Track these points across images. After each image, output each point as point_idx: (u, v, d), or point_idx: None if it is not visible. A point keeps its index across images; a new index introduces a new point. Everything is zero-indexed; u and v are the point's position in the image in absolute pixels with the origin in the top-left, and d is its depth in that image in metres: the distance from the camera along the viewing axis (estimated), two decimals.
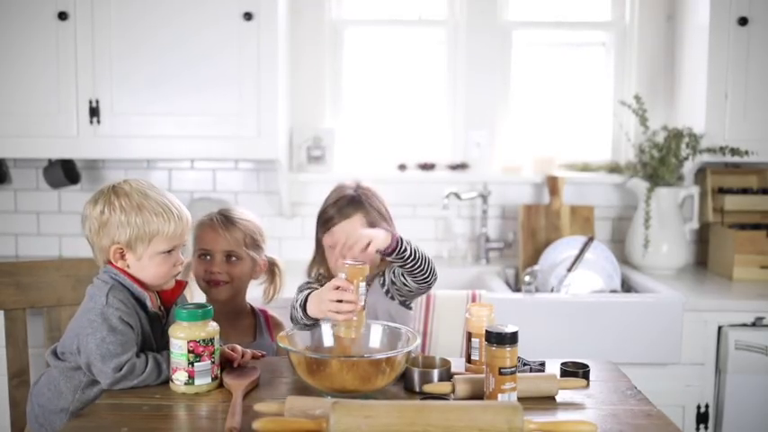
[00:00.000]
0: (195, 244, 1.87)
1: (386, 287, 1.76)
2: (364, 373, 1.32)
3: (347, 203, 1.75)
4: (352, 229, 1.66)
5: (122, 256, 1.47)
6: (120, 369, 1.38)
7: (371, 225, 1.72)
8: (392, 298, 1.76)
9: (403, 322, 1.70)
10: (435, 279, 1.69)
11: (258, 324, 1.90)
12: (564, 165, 2.89)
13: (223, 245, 1.82)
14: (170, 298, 1.54)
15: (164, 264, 1.48)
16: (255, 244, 1.87)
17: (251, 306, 1.93)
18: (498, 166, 2.88)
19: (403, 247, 1.56)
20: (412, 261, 1.59)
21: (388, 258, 1.58)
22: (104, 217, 1.46)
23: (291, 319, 1.66)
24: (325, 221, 1.76)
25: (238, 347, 1.51)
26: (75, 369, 1.46)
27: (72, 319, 1.51)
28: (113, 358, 1.38)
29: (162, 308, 1.53)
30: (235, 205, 1.96)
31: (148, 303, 1.48)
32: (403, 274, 1.68)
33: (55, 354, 1.52)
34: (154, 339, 1.50)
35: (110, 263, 1.48)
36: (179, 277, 1.56)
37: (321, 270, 1.83)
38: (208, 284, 1.83)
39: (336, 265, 1.54)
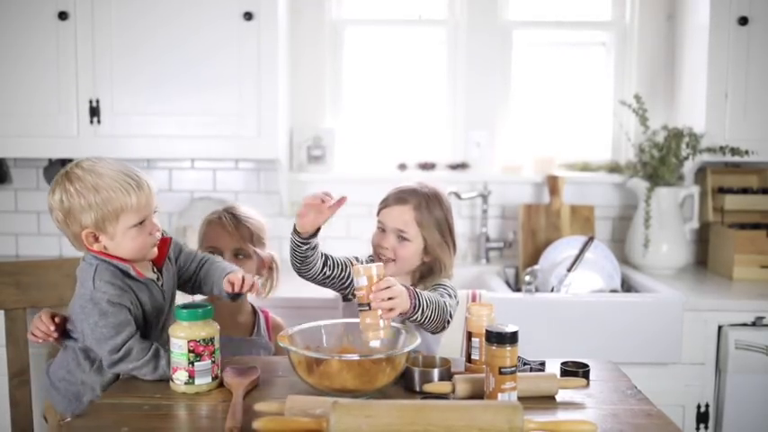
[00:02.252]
0: (203, 241, 1.87)
1: None
2: (364, 373, 1.32)
3: (406, 191, 1.72)
4: (399, 219, 1.68)
5: (96, 239, 1.45)
6: (117, 351, 1.39)
7: (420, 223, 1.69)
8: None
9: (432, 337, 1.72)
10: (444, 329, 1.67)
11: (257, 322, 1.91)
12: (564, 165, 2.89)
13: (232, 243, 1.83)
14: (160, 258, 1.53)
15: (138, 236, 1.46)
16: (261, 241, 1.89)
17: (251, 305, 1.93)
18: (498, 165, 2.88)
19: (413, 317, 1.53)
20: (420, 321, 1.57)
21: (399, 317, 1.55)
22: (65, 205, 1.43)
23: (291, 259, 1.67)
24: (381, 202, 1.75)
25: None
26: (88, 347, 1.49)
27: (71, 301, 1.52)
28: (107, 341, 1.40)
29: (155, 269, 1.53)
30: (239, 203, 1.96)
31: (132, 273, 1.46)
32: None
33: (68, 334, 1.53)
34: (153, 304, 1.50)
35: (87, 248, 1.46)
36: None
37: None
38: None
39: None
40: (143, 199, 1.45)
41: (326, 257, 1.69)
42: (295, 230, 1.60)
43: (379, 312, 1.43)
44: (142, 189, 1.45)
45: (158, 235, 1.51)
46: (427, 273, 1.76)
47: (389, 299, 1.44)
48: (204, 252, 1.82)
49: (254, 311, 1.93)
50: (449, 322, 1.66)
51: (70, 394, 1.53)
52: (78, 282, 1.48)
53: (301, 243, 1.60)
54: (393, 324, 1.53)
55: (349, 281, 1.75)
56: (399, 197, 1.72)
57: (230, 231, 1.83)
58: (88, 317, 1.41)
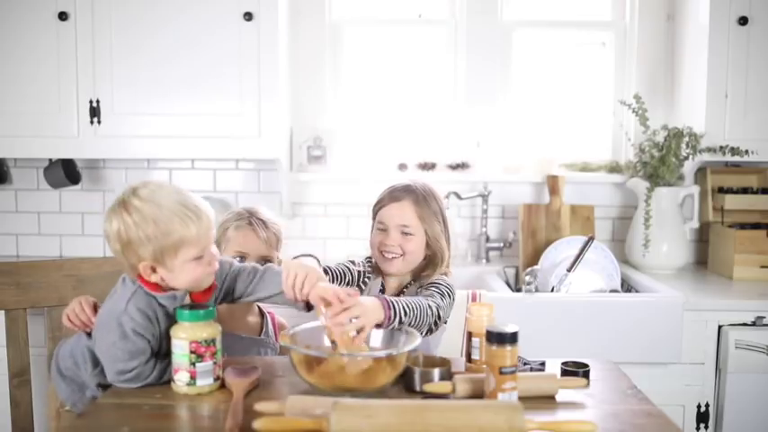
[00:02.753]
0: (228, 246, 1.81)
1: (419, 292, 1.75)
2: (364, 372, 1.32)
3: (401, 188, 1.77)
4: (400, 216, 1.69)
5: (154, 271, 1.39)
6: (125, 374, 1.38)
7: (421, 217, 1.73)
8: None
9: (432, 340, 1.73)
10: (431, 330, 1.68)
11: (265, 323, 1.91)
12: (564, 164, 2.89)
13: (261, 249, 1.80)
14: (199, 299, 1.47)
15: (197, 267, 1.41)
16: (279, 245, 1.88)
17: (259, 307, 1.93)
18: (498, 165, 2.89)
19: (390, 326, 1.50)
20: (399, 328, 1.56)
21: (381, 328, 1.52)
22: (123, 237, 1.37)
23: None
24: (375, 205, 1.78)
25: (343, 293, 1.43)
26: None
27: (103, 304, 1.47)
28: (119, 362, 1.38)
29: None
30: (258, 206, 1.93)
31: (178, 296, 1.41)
32: None
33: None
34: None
35: (140, 278, 1.40)
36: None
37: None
38: None
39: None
40: (202, 230, 1.39)
41: (325, 271, 1.70)
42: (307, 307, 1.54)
43: (351, 335, 1.40)
44: (201, 220, 1.39)
45: (217, 265, 1.45)
46: (427, 266, 1.79)
47: (352, 320, 1.40)
48: (231, 256, 1.74)
49: (261, 313, 1.94)
50: (437, 324, 1.66)
51: (75, 385, 1.50)
52: (113, 294, 1.44)
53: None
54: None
55: (347, 287, 1.77)
56: (396, 195, 1.76)
57: (261, 237, 1.80)
58: (109, 333, 1.38)
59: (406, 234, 1.74)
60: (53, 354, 1.56)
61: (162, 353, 1.43)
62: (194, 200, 1.41)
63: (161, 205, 1.37)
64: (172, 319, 1.41)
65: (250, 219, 1.83)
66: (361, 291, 1.83)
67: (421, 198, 1.76)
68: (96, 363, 1.46)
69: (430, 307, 1.61)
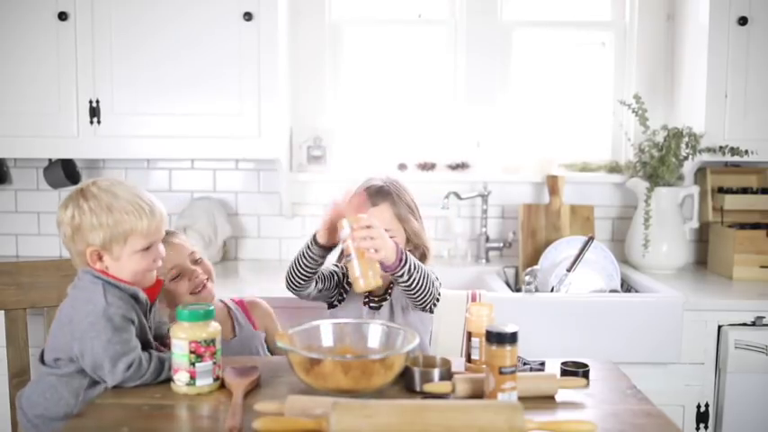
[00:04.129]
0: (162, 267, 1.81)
1: None
2: (359, 374, 1.31)
3: (375, 192, 1.77)
4: (380, 220, 1.68)
5: (100, 258, 1.46)
6: (129, 368, 1.38)
7: (399, 217, 1.75)
8: None
9: (420, 321, 1.75)
10: (434, 304, 1.71)
11: (234, 319, 1.89)
12: (564, 164, 2.89)
13: (185, 255, 1.82)
14: (152, 296, 1.53)
15: (143, 260, 1.48)
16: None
17: (222, 301, 1.91)
18: (498, 165, 2.89)
19: (400, 272, 1.57)
20: (407, 283, 1.60)
21: (386, 273, 1.58)
22: (75, 221, 1.45)
23: (293, 275, 1.68)
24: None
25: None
26: (74, 373, 1.45)
27: (56, 322, 1.48)
28: (122, 357, 1.38)
29: (149, 303, 1.53)
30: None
31: (141, 296, 1.47)
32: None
33: (43, 361, 1.50)
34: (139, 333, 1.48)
35: (89, 265, 1.47)
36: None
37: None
38: (200, 292, 1.80)
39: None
40: (154, 225, 1.47)
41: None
42: (316, 244, 1.62)
43: (366, 255, 1.47)
44: (154, 215, 1.48)
45: (160, 263, 1.53)
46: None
47: (371, 239, 1.48)
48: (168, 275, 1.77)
49: (227, 307, 1.91)
50: (438, 300, 1.70)
51: (47, 427, 1.48)
52: (79, 300, 1.45)
53: (321, 256, 1.64)
54: (392, 324, 1.53)
55: (336, 290, 1.78)
56: (373, 201, 1.76)
57: (183, 245, 1.84)
58: (100, 334, 1.39)
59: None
60: (18, 404, 1.54)
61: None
62: (150, 197, 1.50)
63: (117, 195, 1.45)
64: (138, 311, 1.47)
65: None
66: (346, 292, 1.83)
67: (396, 198, 1.77)
68: (79, 385, 1.45)
69: (434, 278, 1.67)
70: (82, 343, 1.41)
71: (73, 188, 1.50)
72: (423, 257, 1.81)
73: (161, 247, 1.53)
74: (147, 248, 1.48)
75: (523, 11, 2.90)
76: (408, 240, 1.78)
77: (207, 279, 1.82)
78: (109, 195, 1.45)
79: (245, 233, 2.86)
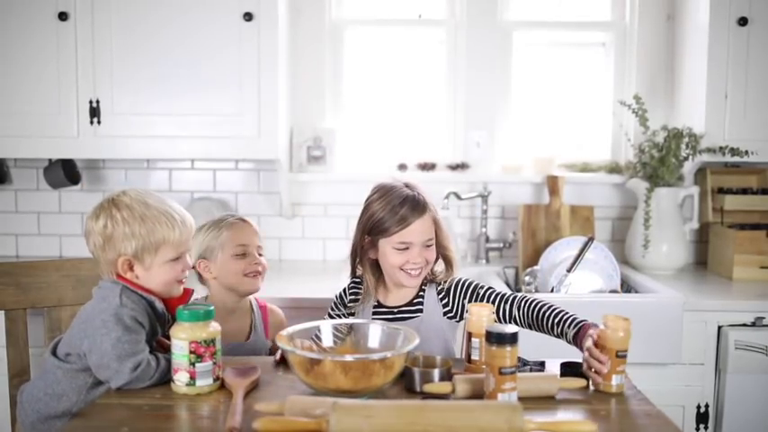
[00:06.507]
0: (224, 246, 1.82)
1: (442, 294, 1.74)
2: (358, 374, 1.31)
3: (417, 203, 1.69)
4: (426, 232, 1.68)
5: (131, 268, 1.48)
6: (136, 368, 1.38)
7: (436, 223, 1.72)
8: (445, 305, 1.74)
9: (450, 330, 1.74)
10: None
11: (254, 322, 1.90)
12: (564, 165, 2.89)
13: (256, 240, 1.87)
14: (176, 306, 1.49)
15: (172, 270, 1.50)
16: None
17: (251, 302, 1.93)
18: (498, 166, 2.89)
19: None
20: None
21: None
22: (108, 231, 1.46)
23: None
24: (398, 221, 1.67)
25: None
26: (81, 371, 1.46)
27: (75, 320, 1.50)
28: (130, 357, 1.38)
29: (168, 315, 1.54)
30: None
31: (158, 305, 1.49)
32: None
33: (55, 354, 1.51)
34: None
35: (118, 275, 1.48)
36: (185, 285, 1.57)
37: (364, 273, 1.77)
38: (252, 277, 1.84)
39: None
40: (185, 235, 1.51)
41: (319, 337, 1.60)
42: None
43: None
44: (185, 225, 1.51)
45: (187, 273, 1.55)
46: (441, 264, 1.77)
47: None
48: (233, 253, 1.80)
49: (252, 310, 1.92)
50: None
51: (46, 430, 1.48)
52: (96, 299, 1.47)
53: None
54: (392, 325, 1.53)
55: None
56: (417, 211, 1.68)
57: (255, 229, 1.88)
58: (110, 332, 1.39)
59: (428, 246, 1.70)
60: (19, 399, 1.55)
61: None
62: (179, 207, 1.54)
63: (149, 206, 1.49)
64: (153, 320, 1.48)
65: (242, 217, 1.90)
66: (353, 315, 1.79)
67: (431, 205, 1.73)
68: (83, 383, 1.45)
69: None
70: (91, 340, 1.41)
71: (103, 198, 1.52)
72: (446, 261, 1.76)
73: (188, 258, 1.55)
74: (177, 258, 1.51)
75: (523, 11, 2.90)
76: (438, 244, 1.73)
77: (262, 271, 1.86)
78: (141, 205, 1.48)
79: None
